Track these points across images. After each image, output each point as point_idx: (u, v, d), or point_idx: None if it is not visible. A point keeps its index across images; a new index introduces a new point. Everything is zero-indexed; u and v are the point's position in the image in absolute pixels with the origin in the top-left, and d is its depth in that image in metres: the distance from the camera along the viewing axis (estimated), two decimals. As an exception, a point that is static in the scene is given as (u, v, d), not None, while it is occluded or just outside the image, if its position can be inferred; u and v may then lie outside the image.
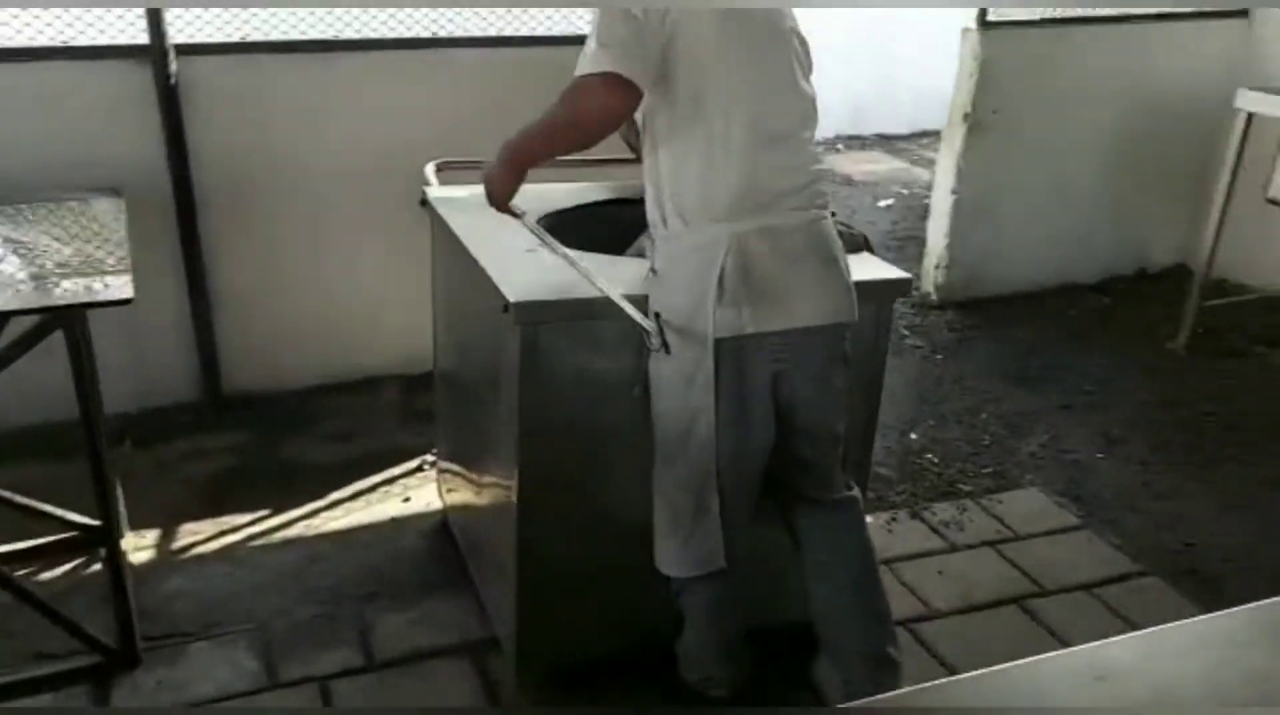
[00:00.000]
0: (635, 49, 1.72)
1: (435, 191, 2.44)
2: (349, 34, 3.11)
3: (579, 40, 3.28)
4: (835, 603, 2.05)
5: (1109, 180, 4.32)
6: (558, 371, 1.92)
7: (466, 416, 2.38)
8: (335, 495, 2.92)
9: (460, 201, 2.39)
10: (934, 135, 7.27)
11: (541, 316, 1.87)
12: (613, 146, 2.58)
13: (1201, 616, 1.11)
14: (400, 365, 3.48)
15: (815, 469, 2.03)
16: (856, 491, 2.12)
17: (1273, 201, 3.64)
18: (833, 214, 1.96)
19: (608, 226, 2.40)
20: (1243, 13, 4.27)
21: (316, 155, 3.21)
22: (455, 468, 2.60)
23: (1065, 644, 2.33)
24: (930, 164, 6.58)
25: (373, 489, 2.97)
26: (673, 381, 1.86)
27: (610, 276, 1.92)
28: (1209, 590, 2.65)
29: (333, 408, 3.34)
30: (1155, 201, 4.46)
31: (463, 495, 2.55)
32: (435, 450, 2.98)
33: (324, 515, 2.83)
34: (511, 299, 1.85)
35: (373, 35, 3.13)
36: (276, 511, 2.83)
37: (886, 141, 7.37)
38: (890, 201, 5.94)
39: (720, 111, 1.79)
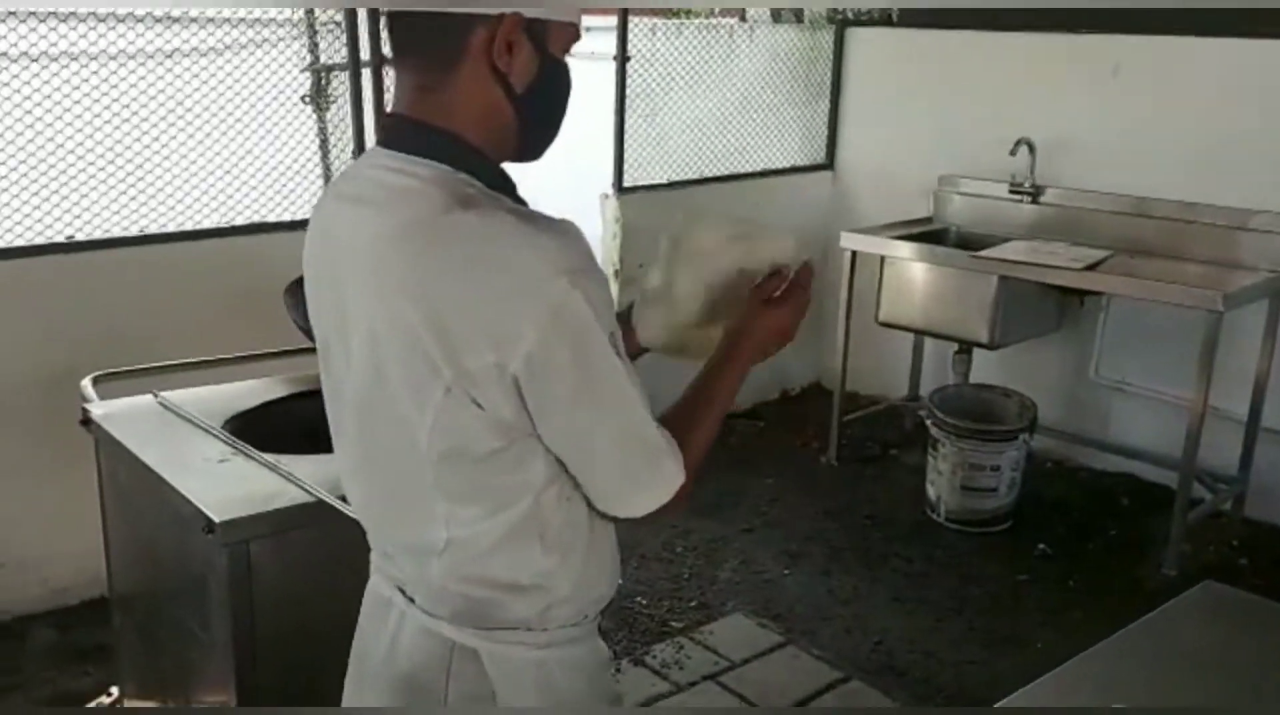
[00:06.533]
0: None
1: (100, 408, 2.25)
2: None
3: (218, 233, 3.28)
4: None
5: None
6: (273, 587, 1.81)
7: (164, 646, 2.16)
8: (-8, 767, 2.52)
9: (131, 416, 2.22)
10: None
11: (252, 532, 1.77)
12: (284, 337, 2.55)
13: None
14: (49, 599, 3.11)
15: None
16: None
17: (884, 324, 4.18)
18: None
19: (298, 423, 2.33)
20: (827, 166, 4.95)
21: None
22: (151, 704, 2.33)
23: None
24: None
25: (40, 749, 2.59)
26: None
27: (324, 476, 1.86)
28: (903, 683, 2.91)
29: (-25, 663, 2.90)
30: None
31: (162, 737, 2.29)
32: (116, 689, 2.65)
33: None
34: (216, 518, 1.73)
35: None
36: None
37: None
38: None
39: None
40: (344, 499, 1.78)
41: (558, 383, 1.12)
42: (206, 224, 3.20)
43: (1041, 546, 3.68)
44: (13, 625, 3.05)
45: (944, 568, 3.56)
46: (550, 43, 1.18)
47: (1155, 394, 3.98)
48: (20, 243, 2.91)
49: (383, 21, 1.21)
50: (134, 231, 3.10)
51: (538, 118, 1.21)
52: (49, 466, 3.00)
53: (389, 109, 1.23)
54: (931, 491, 3.87)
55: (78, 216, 3.01)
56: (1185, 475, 3.45)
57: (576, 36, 1.21)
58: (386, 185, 1.17)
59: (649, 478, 1.20)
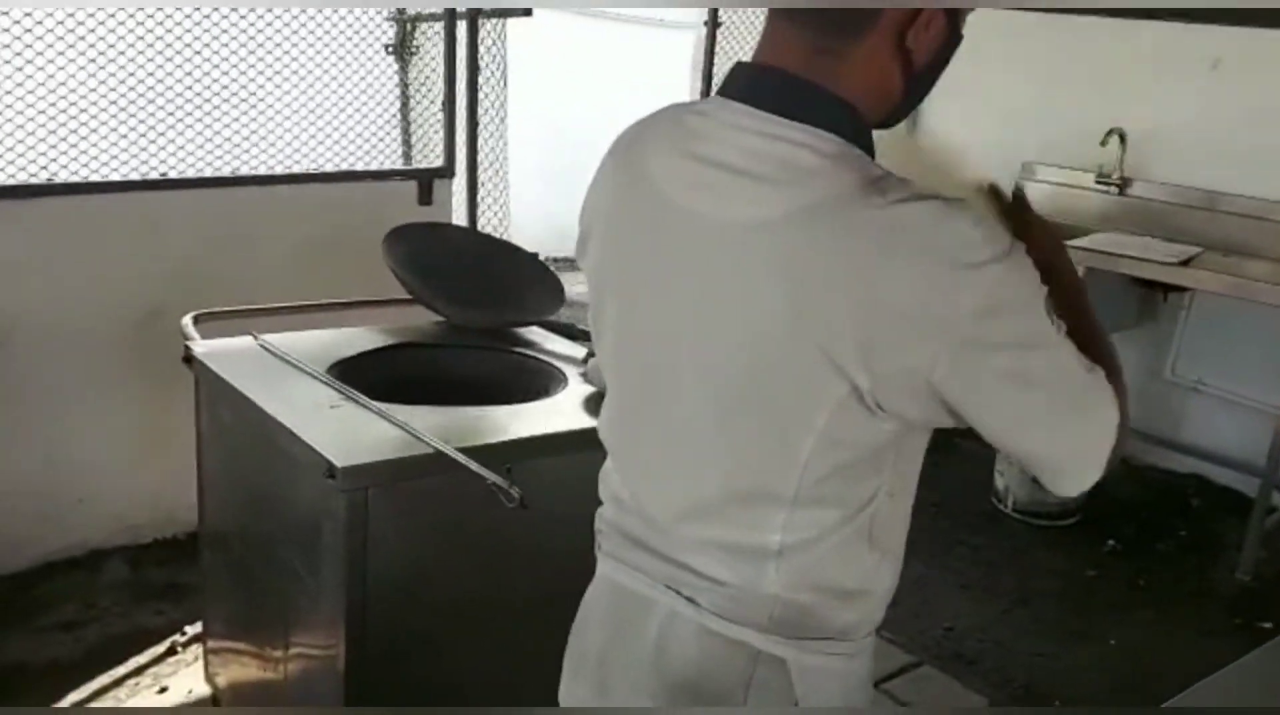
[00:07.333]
0: None
1: (204, 347, 2.24)
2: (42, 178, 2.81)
3: (308, 179, 3.25)
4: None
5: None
6: (389, 535, 1.80)
7: (261, 587, 2.16)
8: (74, 696, 2.53)
9: (233, 356, 2.21)
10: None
11: (371, 479, 1.75)
12: (388, 287, 2.53)
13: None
14: (122, 535, 3.13)
15: None
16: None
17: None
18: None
19: (396, 374, 2.31)
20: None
21: (16, 312, 2.85)
22: (238, 645, 2.33)
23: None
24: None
25: (118, 684, 2.61)
26: None
27: (435, 428, 1.84)
28: (974, 671, 2.89)
29: (53, 592, 2.92)
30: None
31: (249, 674, 2.29)
32: (200, 627, 2.66)
33: (66, 724, 2.45)
34: (338, 463, 1.72)
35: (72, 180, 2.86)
36: (3, 728, 2.41)
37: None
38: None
39: None
40: (463, 451, 1.78)
41: (994, 373, 1.01)
42: (296, 169, 3.18)
43: (1111, 543, 3.63)
44: (86, 558, 3.07)
45: (1011, 558, 3.52)
46: (962, 18, 1.11)
47: (1233, 396, 3.91)
48: (116, 177, 2.90)
49: None
50: (225, 172, 3.08)
51: (920, 92, 1.12)
52: (129, 404, 3.01)
53: (755, 59, 1.09)
54: (1000, 482, 3.82)
55: (172, 154, 3.00)
56: (1266, 481, 3.38)
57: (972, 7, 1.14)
58: (779, 158, 1.03)
59: (1093, 447, 1.07)
